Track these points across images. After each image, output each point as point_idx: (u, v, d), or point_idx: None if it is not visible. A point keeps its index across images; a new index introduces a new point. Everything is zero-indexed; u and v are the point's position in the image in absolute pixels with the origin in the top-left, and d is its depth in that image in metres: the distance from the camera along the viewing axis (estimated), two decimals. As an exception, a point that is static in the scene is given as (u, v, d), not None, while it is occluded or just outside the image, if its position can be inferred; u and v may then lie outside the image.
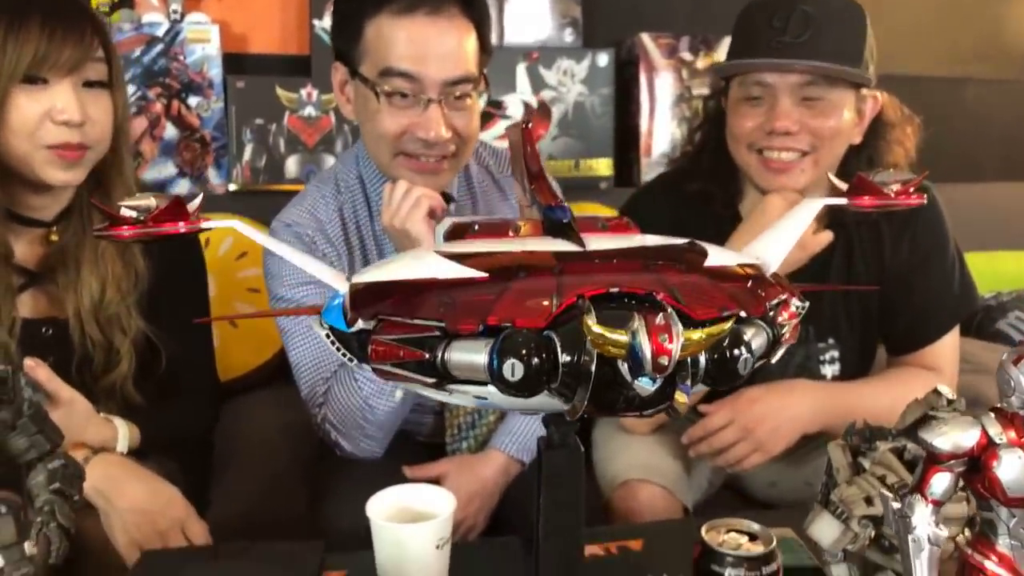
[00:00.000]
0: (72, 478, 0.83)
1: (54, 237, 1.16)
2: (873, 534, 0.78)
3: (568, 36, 2.17)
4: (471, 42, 1.15)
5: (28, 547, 0.77)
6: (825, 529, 0.77)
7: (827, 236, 1.22)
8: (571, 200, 1.87)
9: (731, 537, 0.82)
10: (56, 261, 1.15)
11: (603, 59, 2.12)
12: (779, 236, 0.64)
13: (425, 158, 1.16)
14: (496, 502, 1.22)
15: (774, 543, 0.82)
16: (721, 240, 1.25)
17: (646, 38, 2.15)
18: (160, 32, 1.92)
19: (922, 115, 1.31)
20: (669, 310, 0.42)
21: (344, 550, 0.99)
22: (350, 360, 0.53)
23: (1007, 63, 2.53)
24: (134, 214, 0.57)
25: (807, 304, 0.57)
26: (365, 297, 0.52)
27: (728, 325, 0.44)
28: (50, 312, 1.17)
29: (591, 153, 2.13)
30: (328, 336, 0.53)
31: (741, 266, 0.54)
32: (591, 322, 0.41)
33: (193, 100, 1.96)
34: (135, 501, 1.06)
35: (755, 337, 0.49)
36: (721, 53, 2.19)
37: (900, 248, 1.30)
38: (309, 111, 2.00)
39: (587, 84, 2.12)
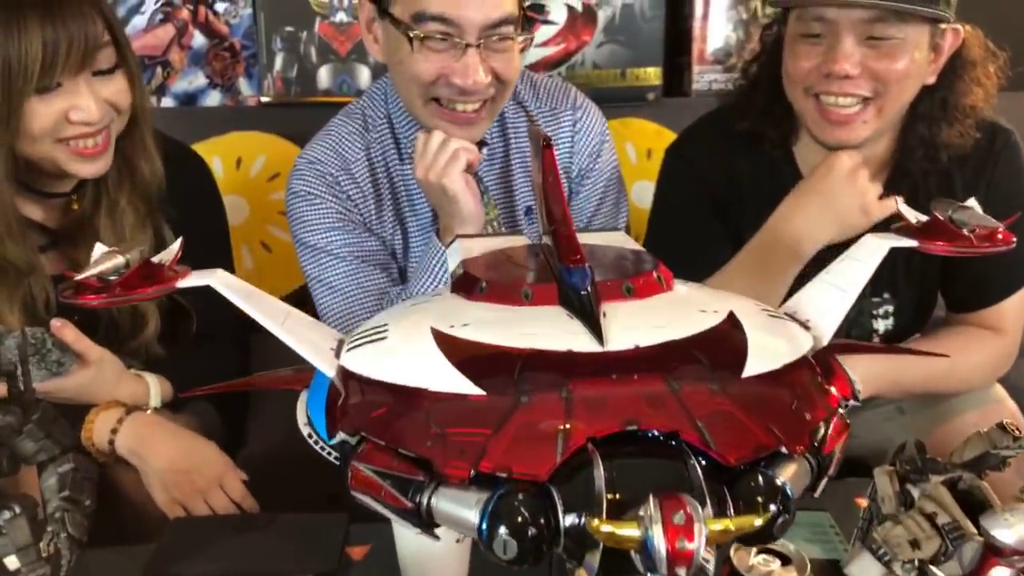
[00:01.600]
0: (83, 482, 0.79)
1: (75, 206, 1.11)
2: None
3: (618, -71, 1.96)
4: None
5: (43, 547, 0.75)
6: (866, 571, 0.71)
7: (893, 202, 1.09)
8: (616, 115, 1.73)
9: (761, 561, 0.77)
10: (76, 227, 1.10)
11: (655, -44, 1.91)
12: (835, 288, 0.54)
13: (462, 106, 1.06)
14: None
15: (808, 569, 0.76)
16: (777, 187, 1.15)
17: (703, -69, 1.93)
18: (183, -68, 1.77)
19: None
20: (691, 503, 0.34)
21: (369, 520, 0.96)
22: (336, 459, 0.46)
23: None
24: (101, 270, 0.49)
25: (860, 393, 0.48)
26: (349, 400, 0.45)
27: (757, 521, 0.36)
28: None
29: (639, 61, 1.96)
30: (309, 434, 0.47)
31: (789, 365, 0.45)
32: (595, 522, 0.34)
33: (220, 6, 1.83)
34: (171, 460, 1.05)
35: (795, 477, 0.41)
36: (786, -52, 1.96)
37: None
38: (341, 17, 1.85)
39: (637, -16, 1.93)
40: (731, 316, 0.49)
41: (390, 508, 0.41)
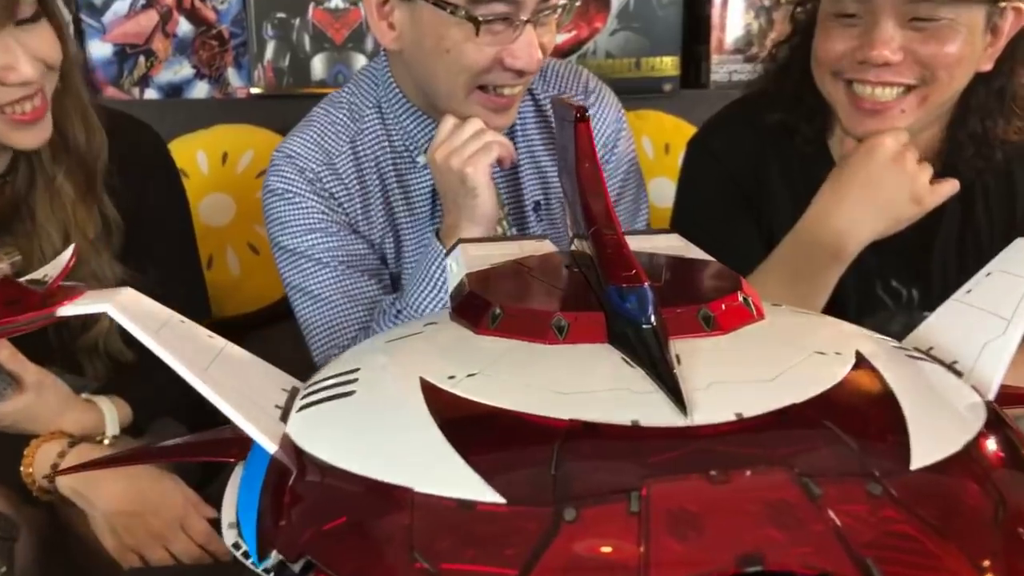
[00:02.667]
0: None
1: (7, 190, 0.93)
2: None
3: (633, -91, 1.79)
4: None
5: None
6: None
7: (950, 186, 0.92)
8: (632, 107, 1.56)
9: None
10: (11, 213, 0.93)
11: (673, -62, 1.74)
12: (995, 312, 0.38)
13: (510, 90, 0.93)
14: None
15: None
16: (812, 183, 0.98)
17: (724, -90, 1.76)
18: (166, -90, 1.61)
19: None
20: None
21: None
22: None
23: None
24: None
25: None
26: (298, 490, 0.28)
27: None
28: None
29: (655, 50, 1.79)
30: (232, 528, 0.30)
31: (974, 446, 0.28)
32: None
33: (207, -10, 1.66)
34: (121, 502, 0.88)
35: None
36: (813, -71, 1.79)
37: None
38: (336, 3, 1.69)
39: (653, -32, 1.76)
40: (861, 361, 0.33)
41: None
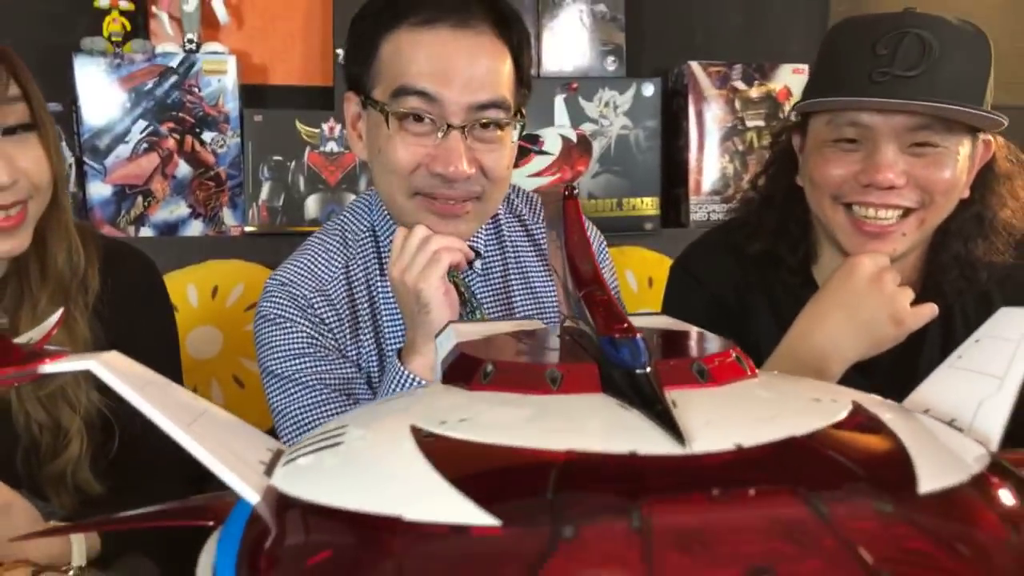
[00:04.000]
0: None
1: None
2: None
3: (610, 65, 1.91)
4: (504, 65, 0.90)
5: None
6: None
7: (930, 310, 0.93)
8: (615, 244, 1.59)
9: None
10: None
11: (649, 89, 1.85)
12: (984, 375, 0.37)
13: (443, 200, 0.91)
14: None
15: None
16: (796, 310, 0.99)
17: (695, 66, 1.88)
18: (174, 63, 1.70)
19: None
20: None
21: None
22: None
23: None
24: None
25: None
26: (284, 533, 0.27)
27: None
28: None
29: (636, 191, 1.86)
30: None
31: (982, 480, 0.27)
32: None
33: (208, 135, 1.73)
34: None
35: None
36: (777, 81, 1.91)
37: None
38: (331, 147, 1.76)
39: (631, 116, 1.86)
40: (858, 407, 0.32)
41: None
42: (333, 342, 0.99)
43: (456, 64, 0.87)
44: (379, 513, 0.25)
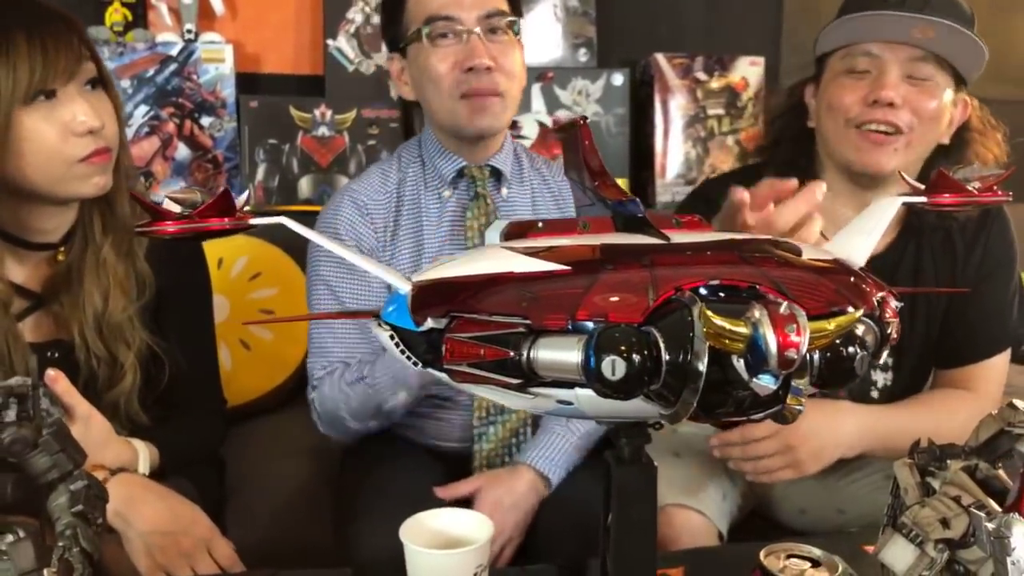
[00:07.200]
0: (95, 500, 0.77)
1: (61, 257, 1.11)
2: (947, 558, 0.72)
3: (582, 56, 2.14)
4: None
5: (48, 574, 0.72)
6: (900, 554, 0.71)
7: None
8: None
9: (793, 563, 0.77)
10: (62, 281, 1.10)
11: (618, 79, 2.09)
12: (860, 232, 0.60)
13: (477, 96, 1.19)
14: (531, 517, 1.17)
15: (840, 569, 0.77)
16: None
17: (660, 58, 2.12)
18: (174, 52, 1.88)
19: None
20: (792, 304, 0.37)
21: (372, 576, 0.94)
22: (415, 364, 0.48)
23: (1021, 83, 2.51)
24: (179, 208, 0.52)
25: (902, 304, 0.52)
26: (432, 295, 0.47)
27: (857, 314, 0.39)
28: (56, 334, 1.11)
29: (607, 173, 2.09)
30: (392, 338, 0.49)
31: (836, 261, 0.49)
32: (709, 312, 0.37)
33: (206, 120, 1.92)
34: (157, 522, 1.00)
35: (866, 334, 0.44)
36: (736, 73, 2.16)
37: (971, 260, 1.26)
38: (323, 131, 1.96)
39: (602, 104, 2.09)
40: (776, 239, 0.54)
41: (491, 367, 0.42)
42: (374, 241, 1.24)
43: None
44: (500, 272, 0.46)
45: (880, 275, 1.22)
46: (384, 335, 0.49)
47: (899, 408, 1.24)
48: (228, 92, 1.92)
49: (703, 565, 0.96)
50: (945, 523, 0.71)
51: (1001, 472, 0.74)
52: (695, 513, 1.19)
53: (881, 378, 1.27)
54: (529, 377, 0.42)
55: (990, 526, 0.60)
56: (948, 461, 0.75)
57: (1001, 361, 1.27)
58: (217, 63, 1.92)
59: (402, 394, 1.14)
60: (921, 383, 1.31)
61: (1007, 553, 0.57)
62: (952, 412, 1.22)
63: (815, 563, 0.77)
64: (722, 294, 0.43)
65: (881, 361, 1.26)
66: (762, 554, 0.77)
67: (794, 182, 0.86)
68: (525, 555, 1.17)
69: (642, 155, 2.16)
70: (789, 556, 0.78)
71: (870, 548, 0.79)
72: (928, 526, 0.71)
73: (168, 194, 0.53)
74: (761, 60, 2.16)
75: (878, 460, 1.29)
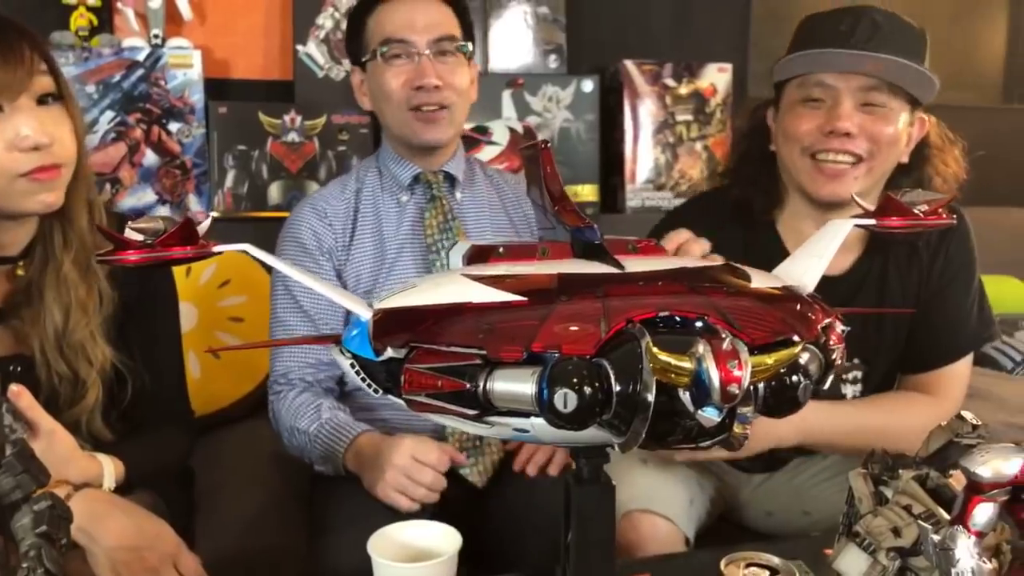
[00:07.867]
0: (59, 520, 0.77)
1: (20, 272, 1.10)
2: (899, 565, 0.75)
3: (553, 63, 2.16)
4: (450, 16, 1.34)
5: (13, 592, 0.72)
6: (853, 563, 0.74)
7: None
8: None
9: (752, 572, 0.79)
10: (22, 296, 1.09)
11: (588, 85, 2.11)
12: (812, 256, 0.62)
13: (427, 108, 1.30)
14: None
15: (796, 576, 0.79)
16: (761, 255, 1.21)
17: (630, 64, 2.14)
18: (141, 57, 1.87)
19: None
20: (735, 340, 0.39)
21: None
22: (375, 392, 0.49)
23: (982, 90, 2.56)
24: (141, 237, 0.53)
25: (848, 329, 0.54)
26: (392, 324, 0.49)
27: (797, 349, 0.41)
28: (17, 349, 1.10)
29: (577, 179, 2.11)
30: (353, 366, 0.50)
31: (784, 288, 0.51)
32: (655, 348, 0.38)
33: (174, 126, 1.91)
34: (122, 538, 1.00)
35: (810, 362, 0.46)
36: (704, 79, 2.19)
37: (934, 269, 1.29)
38: (292, 137, 1.96)
39: (572, 110, 2.11)
40: (729, 264, 0.56)
41: (448, 398, 0.44)
42: (333, 241, 1.34)
43: (417, 17, 1.32)
44: (457, 302, 0.47)
45: (845, 294, 1.26)
46: (345, 363, 0.51)
47: (844, 405, 1.27)
48: (196, 98, 1.91)
49: (668, 572, 0.98)
50: (896, 532, 0.73)
51: (952, 481, 0.77)
52: (661, 519, 1.22)
53: (851, 391, 1.30)
54: (485, 408, 0.44)
55: (935, 538, 0.62)
56: (900, 471, 0.78)
57: (963, 365, 1.31)
58: (185, 68, 1.91)
59: (328, 467, 1.24)
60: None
61: (951, 564, 0.59)
62: (904, 413, 1.25)
63: (774, 572, 0.80)
64: (678, 321, 0.44)
65: (851, 376, 1.29)
66: (723, 563, 0.79)
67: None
68: (491, 564, 1.19)
69: (612, 161, 2.18)
70: (749, 565, 0.80)
71: (829, 551, 0.82)
72: (880, 535, 0.73)
73: (131, 224, 0.54)
74: (729, 67, 2.20)
75: (842, 462, 1.32)
